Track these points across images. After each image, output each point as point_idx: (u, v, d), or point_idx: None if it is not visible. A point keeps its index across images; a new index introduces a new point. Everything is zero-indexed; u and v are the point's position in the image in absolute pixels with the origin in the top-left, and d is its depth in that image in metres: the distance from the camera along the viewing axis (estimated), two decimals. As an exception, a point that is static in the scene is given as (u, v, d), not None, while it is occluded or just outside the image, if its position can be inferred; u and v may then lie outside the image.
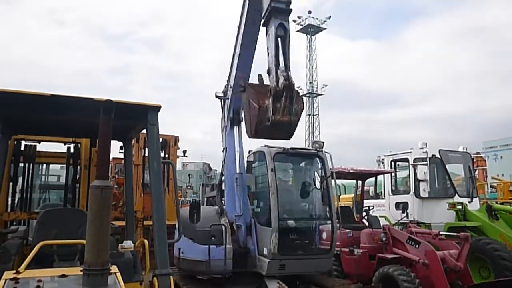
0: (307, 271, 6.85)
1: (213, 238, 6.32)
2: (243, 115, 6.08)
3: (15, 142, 6.29)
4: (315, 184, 7.26)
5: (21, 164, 6.77)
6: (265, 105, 5.03)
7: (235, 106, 7.14)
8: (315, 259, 6.77)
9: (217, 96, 7.27)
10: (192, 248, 6.42)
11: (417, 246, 7.36)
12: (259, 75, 5.71)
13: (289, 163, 7.59)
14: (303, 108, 5.22)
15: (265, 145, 6.90)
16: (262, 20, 5.39)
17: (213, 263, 6.21)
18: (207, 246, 6.22)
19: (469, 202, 10.43)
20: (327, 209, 7.06)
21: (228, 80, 7.17)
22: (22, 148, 6.63)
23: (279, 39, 5.12)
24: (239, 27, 6.52)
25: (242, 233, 6.68)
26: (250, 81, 6.05)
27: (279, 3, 5.07)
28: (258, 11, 5.60)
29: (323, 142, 7.06)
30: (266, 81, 5.45)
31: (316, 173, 7.35)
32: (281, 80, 4.89)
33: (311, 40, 59.84)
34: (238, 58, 6.60)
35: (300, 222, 7.10)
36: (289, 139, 5.52)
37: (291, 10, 5.21)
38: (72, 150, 6.61)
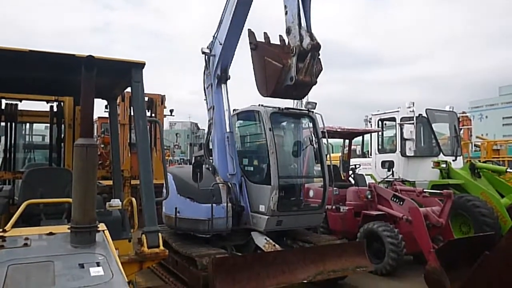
0: (301, 226, 7.06)
1: (213, 197, 6.31)
2: (254, 74, 5.84)
3: (-5, 100, 6.13)
4: (307, 143, 7.34)
5: (3, 124, 6.64)
6: (288, 64, 4.99)
7: (223, 63, 6.96)
8: (308, 214, 6.98)
9: (203, 52, 7.05)
10: (192, 207, 6.39)
11: (401, 203, 7.52)
12: (264, 33, 5.69)
13: (282, 123, 7.55)
14: (322, 69, 5.20)
15: (260, 104, 6.80)
16: None
17: (215, 221, 6.24)
18: (210, 204, 6.21)
19: (453, 160, 10.61)
20: (320, 167, 7.21)
21: (216, 35, 6.93)
22: (3, 107, 6.47)
23: None
24: None
25: (236, 191, 6.75)
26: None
27: None
28: None
29: (316, 103, 7.03)
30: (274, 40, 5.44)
31: (309, 132, 7.40)
32: (307, 40, 4.83)
33: (300, -4, 58.41)
34: (233, 13, 6.27)
35: (296, 180, 7.18)
36: (301, 99, 5.50)
37: None
38: (55, 109, 6.47)
